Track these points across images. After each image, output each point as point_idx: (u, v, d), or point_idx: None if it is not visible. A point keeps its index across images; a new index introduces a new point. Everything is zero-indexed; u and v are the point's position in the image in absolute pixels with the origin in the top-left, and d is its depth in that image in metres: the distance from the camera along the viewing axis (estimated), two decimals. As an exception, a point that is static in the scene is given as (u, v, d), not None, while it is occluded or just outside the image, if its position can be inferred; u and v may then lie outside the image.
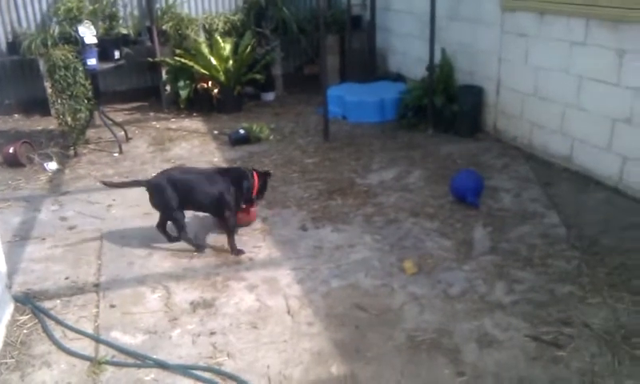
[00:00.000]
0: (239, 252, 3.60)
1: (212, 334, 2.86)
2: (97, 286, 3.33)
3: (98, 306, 3.13)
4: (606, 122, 4.22)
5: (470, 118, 5.60)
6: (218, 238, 3.79)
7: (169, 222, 3.75)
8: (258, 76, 6.93)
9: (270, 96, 7.47)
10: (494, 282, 3.17)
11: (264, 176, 3.88)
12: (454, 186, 4.19)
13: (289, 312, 3.00)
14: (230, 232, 3.64)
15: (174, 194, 3.59)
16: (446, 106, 5.60)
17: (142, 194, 4.48)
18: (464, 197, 4.08)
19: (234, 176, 3.73)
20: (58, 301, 3.19)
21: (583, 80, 4.40)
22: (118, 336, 2.88)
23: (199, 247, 3.66)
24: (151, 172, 5.03)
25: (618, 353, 2.58)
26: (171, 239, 3.75)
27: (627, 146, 4.08)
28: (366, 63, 7.35)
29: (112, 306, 3.12)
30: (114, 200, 4.47)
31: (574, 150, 4.58)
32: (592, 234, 3.62)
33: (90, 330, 2.93)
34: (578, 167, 4.55)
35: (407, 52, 6.98)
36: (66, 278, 3.42)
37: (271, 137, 5.84)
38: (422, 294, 3.09)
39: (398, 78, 7.04)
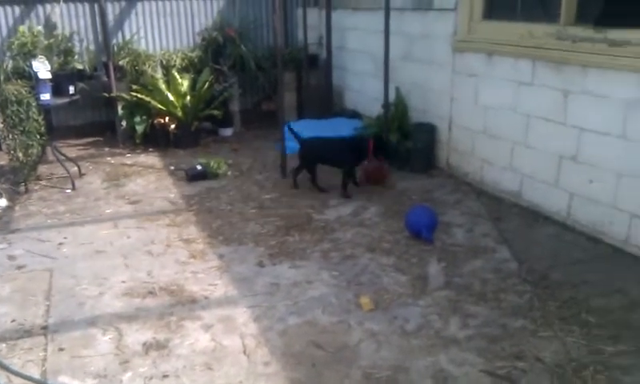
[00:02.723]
0: (347, 195, 5.09)
1: (165, 376, 2.79)
2: (45, 328, 3.21)
3: (45, 350, 3.01)
4: (553, 159, 4.39)
5: (424, 155, 5.73)
6: (174, 278, 3.73)
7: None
8: (215, 112, 6.93)
9: (227, 132, 7.47)
10: (449, 317, 3.22)
11: (376, 140, 5.13)
12: (409, 222, 4.26)
13: (245, 352, 2.96)
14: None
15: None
16: (401, 143, 5.71)
17: (93, 232, 4.44)
18: (419, 232, 4.15)
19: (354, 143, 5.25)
20: (4, 344, 3.05)
21: (531, 118, 4.58)
22: (67, 381, 2.77)
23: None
24: (104, 208, 4.96)
25: (569, 386, 2.64)
26: (322, 190, 5.20)
27: (573, 182, 4.25)
28: (323, 100, 7.47)
29: (61, 349, 3.01)
30: (65, 238, 4.35)
31: (523, 185, 4.74)
32: (542, 268, 3.72)
33: (37, 374, 2.81)
34: (528, 203, 4.69)
35: (363, 90, 7.13)
36: (13, 321, 3.28)
37: (229, 172, 5.82)
38: (379, 331, 3.10)
39: (354, 115, 7.14)
